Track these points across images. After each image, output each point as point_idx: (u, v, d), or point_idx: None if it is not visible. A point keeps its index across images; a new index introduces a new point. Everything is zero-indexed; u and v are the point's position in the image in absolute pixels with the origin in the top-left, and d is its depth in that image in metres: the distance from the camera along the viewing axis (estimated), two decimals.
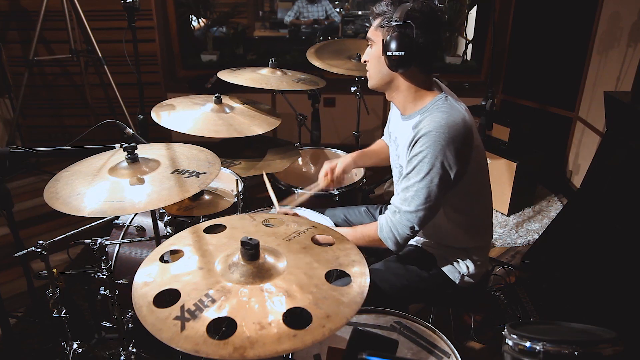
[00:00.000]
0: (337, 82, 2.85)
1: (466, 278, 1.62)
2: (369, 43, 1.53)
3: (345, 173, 1.97)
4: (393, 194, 1.56)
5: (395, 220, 1.47)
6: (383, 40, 1.44)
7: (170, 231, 1.71)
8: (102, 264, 1.50)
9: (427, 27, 1.41)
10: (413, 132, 1.45)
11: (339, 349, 1.19)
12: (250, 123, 1.99)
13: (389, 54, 1.42)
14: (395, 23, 1.40)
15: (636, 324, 1.81)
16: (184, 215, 1.75)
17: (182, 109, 1.99)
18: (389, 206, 1.53)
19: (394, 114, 1.71)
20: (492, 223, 1.71)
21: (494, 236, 2.90)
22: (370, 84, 1.59)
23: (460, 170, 1.43)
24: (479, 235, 1.64)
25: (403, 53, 1.40)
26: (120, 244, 1.89)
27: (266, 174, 1.83)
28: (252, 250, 1.05)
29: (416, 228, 1.45)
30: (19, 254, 1.44)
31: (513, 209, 3.16)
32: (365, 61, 1.57)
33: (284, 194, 2.25)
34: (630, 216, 2.05)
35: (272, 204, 1.78)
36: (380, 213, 1.90)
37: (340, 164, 1.95)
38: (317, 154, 2.64)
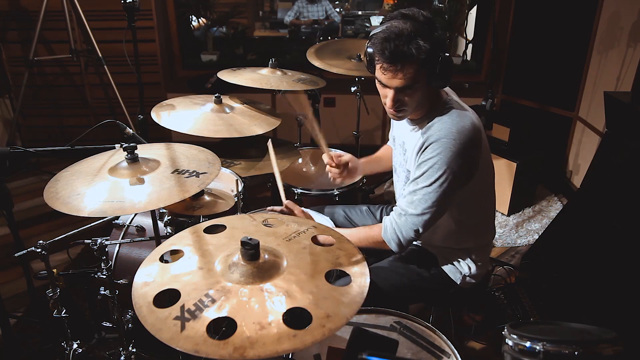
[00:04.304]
0: (337, 82, 2.84)
1: (468, 279, 1.62)
2: (411, 87, 1.38)
3: (351, 174, 1.88)
4: (393, 194, 1.55)
5: (400, 222, 1.47)
6: (427, 74, 1.36)
7: (170, 231, 1.71)
8: (102, 264, 1.49)
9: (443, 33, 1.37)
10: (422, 137, 1.44)
11: (339, 349, 1.19)
12: (250, 123, 1.99)
13: (440, 83, 1.39)
14: (434, 54, 1.32)
15: (636, 324, 1.81)
16: (184, 215, 1.75)
17: (182, 109, 1.99)
18: (394, 208, 1.52)
19: None
20: (494, 223, 1.71)
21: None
22: (415, 116, 1.50)
23: (470, 175, 1.43)
24: (481, 235, 1.64)
25: (449, 74, 1.37)
26: (120, 244, 1.89)
27: (264, 174, 1.81)
28: (252, 250, 1.05)
29: (421, 231, 1.46)
30: (19, 254, 1.44)
31: (513, 209, 3.16)
32: (403, 106, 1.44)
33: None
34: (630, 216, 2.05)
35: (277, 198, 1.74)
36: (382, 213, 1.90)
37: (346, 156, 1.87)
38: (317, 154, 2.64)
